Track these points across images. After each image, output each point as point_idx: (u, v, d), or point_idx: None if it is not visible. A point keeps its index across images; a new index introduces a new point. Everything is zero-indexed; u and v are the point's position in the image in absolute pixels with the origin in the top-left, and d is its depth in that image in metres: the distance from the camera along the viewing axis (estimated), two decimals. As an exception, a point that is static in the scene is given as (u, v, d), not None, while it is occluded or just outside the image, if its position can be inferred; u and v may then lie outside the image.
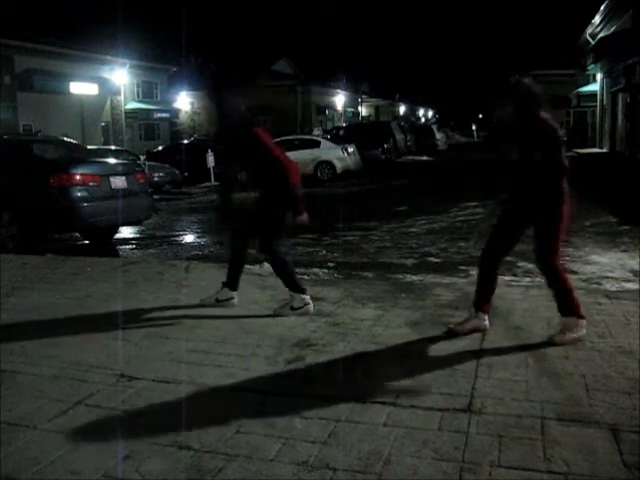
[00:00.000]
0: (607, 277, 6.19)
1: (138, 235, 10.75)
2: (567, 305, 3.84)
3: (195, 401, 3.08)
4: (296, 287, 4.61)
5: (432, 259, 7.54)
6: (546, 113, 3.88)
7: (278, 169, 4.52)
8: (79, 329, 4.28)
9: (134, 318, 4.52)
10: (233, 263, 4.81)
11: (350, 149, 22.29)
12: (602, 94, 31.12)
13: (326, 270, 6.74)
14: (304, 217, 4.65)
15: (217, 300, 4.79)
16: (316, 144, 21.87)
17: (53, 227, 8.73)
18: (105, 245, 9.54)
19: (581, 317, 3.84)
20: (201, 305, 4.81)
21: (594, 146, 31.83)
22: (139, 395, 3.17)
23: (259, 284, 5.48)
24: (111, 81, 30.45)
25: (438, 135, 39.93)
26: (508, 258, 6.33)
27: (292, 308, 4.56)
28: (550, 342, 3.76)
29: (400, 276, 6.46)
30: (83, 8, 29.87)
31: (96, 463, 2.49)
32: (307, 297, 4.61)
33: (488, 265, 4.04)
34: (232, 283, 4.80)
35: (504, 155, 4.21)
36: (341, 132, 30.70)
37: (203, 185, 21.21)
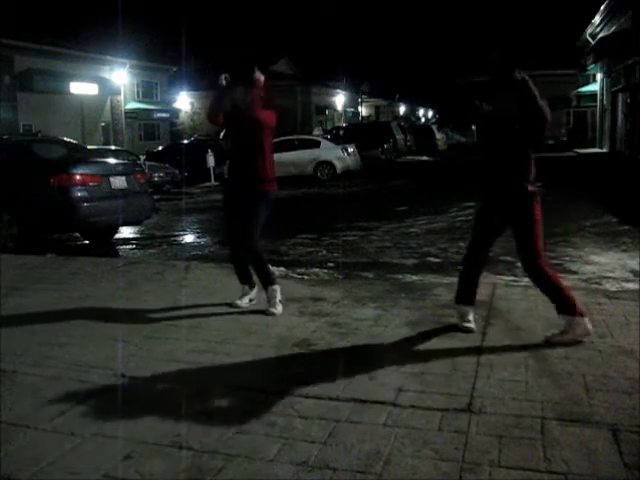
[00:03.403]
0: (607, 277, 6.19)
1: (138, 235, 10.74)
2: (561, 303, 3.81)
3: (195, 401, 3.07)
4: (269, 280, 4.64)
5: (432, 259, 7.53)
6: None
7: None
8: (79, 329, 4.28)
9: (134, 318, 4.52)
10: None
11: (350, 149, 22.28)
12: (602, 94, 31.15)
13: (326, 270, 6.74)
14: None
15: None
16: (316, 144, 21.87)
17: (53, 227, 8.73)
18: (105, 245, 9.54)
19: (579, 315, 3.75)
20: (201, 305, 4.80)
21: (594, 146, 31.86)
22: (139, 395, 3.17)
23: (259, 284, 5.46)
24: (111, 81, 30.50)
25: (438, 135, 39.92)
26: (508, 258, 6.38)
27: (280, 301, 4.59)
28: (547, 342, 3.75)
29: (400, 276, 6.46)
30: (83, 8, 29.91)
31: (96, 463, 2.49)
32: (276, 285, 4.63)
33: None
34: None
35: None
36: (341, 132, 30.71)
37: (203, 185, 21.21)
